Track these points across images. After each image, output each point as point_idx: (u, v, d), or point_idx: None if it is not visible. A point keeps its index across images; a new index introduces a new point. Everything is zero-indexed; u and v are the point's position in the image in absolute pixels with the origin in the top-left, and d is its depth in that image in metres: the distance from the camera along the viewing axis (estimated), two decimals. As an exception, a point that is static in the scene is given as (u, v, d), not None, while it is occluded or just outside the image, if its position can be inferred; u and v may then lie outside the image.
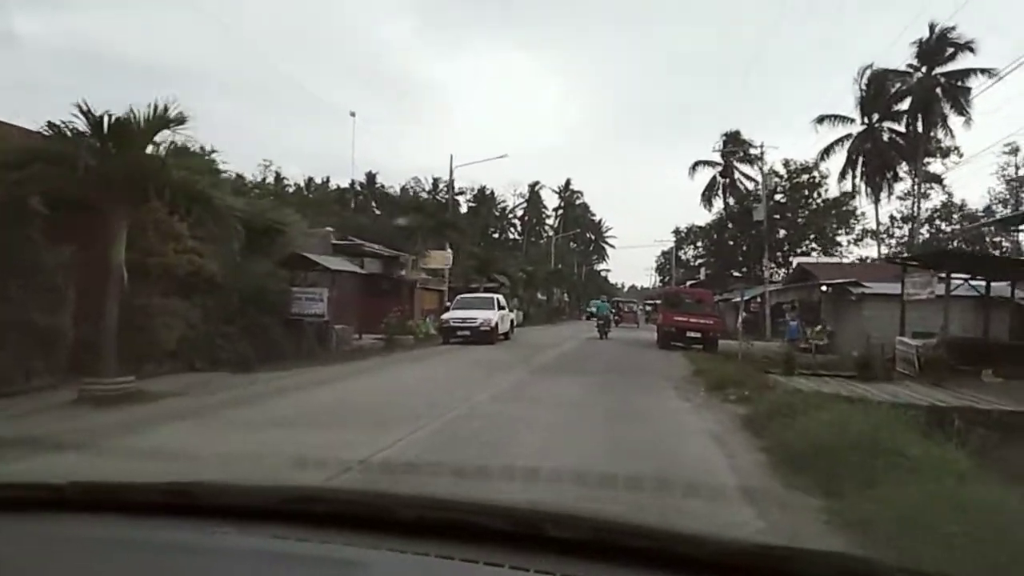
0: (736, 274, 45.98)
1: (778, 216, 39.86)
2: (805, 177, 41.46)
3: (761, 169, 35.85)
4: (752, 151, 49.83)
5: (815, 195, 41.75)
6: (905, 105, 42.62)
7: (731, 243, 43.24)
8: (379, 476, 5.17)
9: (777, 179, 40.04)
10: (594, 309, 49.77)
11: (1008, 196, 44.30)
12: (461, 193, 79.47)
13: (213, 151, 14.43)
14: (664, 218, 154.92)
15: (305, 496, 1.61)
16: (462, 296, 25.34)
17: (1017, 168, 42.99)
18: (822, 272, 26.54)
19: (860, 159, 43.75)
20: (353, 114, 31.87)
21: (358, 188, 50.51)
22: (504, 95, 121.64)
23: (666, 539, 1.33)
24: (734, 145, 50.83)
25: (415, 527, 1.39)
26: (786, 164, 41.44)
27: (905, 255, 23.79)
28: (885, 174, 44.33)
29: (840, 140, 43.08)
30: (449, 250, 27.30)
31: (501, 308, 24.32)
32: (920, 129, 41.91)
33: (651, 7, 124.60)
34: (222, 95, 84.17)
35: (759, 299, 33.33)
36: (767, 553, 1.29)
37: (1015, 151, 39.89)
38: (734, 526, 3.76)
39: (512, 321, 26.17)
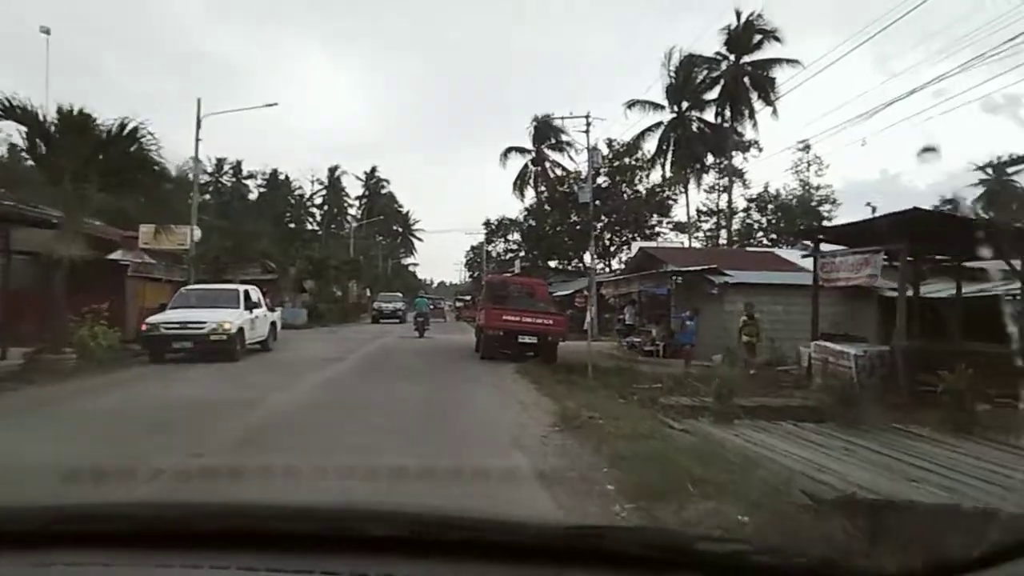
0: (555, 265, 41.53)
1: (599, 202, 35.65)
2: (627, 159, 37.74)
3: (587, 143, 31.10)
4: (564, 138, 46.10)
5: (637, 180, 38.20)
6: (715, 94, 41.12)
7: (550, 232, 38.34)
8: None
9: (603, 157, 35.68)
10: (389, 307, 44.09)
11: (802, 192, 44.38)
12: (251, 176, 68.79)
13: None
14: (476, 211, 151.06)
15: (83, 515, 1.44)
16: (189, 288, 17.04)
17: (808, 164, 42.89)
18: (670, 258, 21.92)
19: (670, 149, 41.58)
20: (47, 31, 21.59)
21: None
22: (308, 83, 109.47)
23: (484, 528, 1.29)
24: (546, 130, 46.46)
25: (214, 539, 1.25)
26: (610, 144, 37.46)
27: (817, 226, 19.79)
28: (694, 165, 42.53)
29: (652, 127, 40.57)
30: (184, 226, 18.72)
31: (253, 306, 16.54)
32: (729, 119, 40.59)
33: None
34: None
35: (585, 292, 28.88)
36: (578, 534, 1.28)
37: (807, 148, 39.57)
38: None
39: (274, 324, 18.40)
